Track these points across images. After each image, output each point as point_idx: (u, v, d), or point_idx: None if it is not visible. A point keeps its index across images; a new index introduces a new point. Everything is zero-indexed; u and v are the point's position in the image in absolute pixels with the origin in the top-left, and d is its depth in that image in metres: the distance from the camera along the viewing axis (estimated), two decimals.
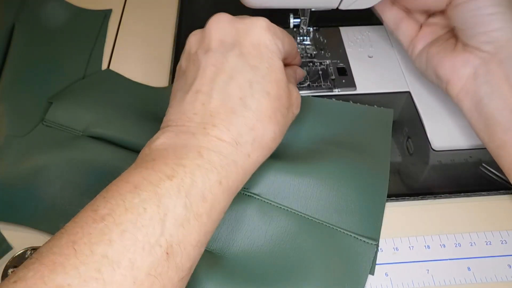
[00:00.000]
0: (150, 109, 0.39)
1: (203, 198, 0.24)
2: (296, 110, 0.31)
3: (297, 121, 0.36)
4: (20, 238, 0.32)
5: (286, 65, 0.33)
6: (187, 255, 0.23)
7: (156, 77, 0.42)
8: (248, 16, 0.30)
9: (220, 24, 0.29)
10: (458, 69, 0.32)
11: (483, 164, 0.36)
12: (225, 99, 0.27)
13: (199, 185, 0.24)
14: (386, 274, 0.31)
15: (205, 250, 0.31)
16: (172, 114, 0.28)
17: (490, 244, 0.32)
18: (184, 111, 0.27)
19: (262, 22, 0.29)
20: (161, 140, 0.26)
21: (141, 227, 0.21)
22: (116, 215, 0.22)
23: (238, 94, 0.27)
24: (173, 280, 0.22)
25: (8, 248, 0.32)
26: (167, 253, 0.22)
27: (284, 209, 0.32)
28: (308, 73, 0.42)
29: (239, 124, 0.27)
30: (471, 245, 0.32)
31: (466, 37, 0.31)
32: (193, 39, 0.31)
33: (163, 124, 0.29)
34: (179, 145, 0.26)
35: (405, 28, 0.37)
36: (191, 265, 0.24)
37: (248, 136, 0.27)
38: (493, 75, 0.30)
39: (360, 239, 0.31)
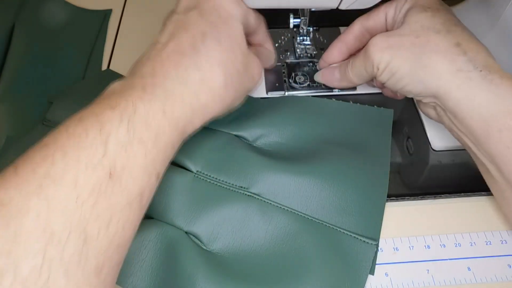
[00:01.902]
0: None
1: (146, 124, 0.25)
2: (254, 77, 0.32)
3: (297, 121, 0.36)
4: None
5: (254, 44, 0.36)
6: (133, 178, 0.24)
7: None
8: None
9: None
10: (429, 114, 0.33)
11: None
12: (178, 46, 0.28)
13: (141, 113, 0.25)
14: (386, 274, 0.31)
15: (205, 250, 0.31)
16: (131, 68, 0.30)
17: (490, 244, 0.32)
18: (139, 60, 0.29)
19: None
20: (112, 85, 0.27)
21: (83, 149, 0.22)
22: (58, 141, 0.23)
23: (190, 41, 0.28)
24: (121, 203, 0.23)
25: None
26: (111, 173, 0.22)
27: (284, 209, 0.32)
28: (308, 73, 0.42)
29: (187, 64, 0.28)
30: (471, 245, 0.32)
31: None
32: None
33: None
34: (126, 86, 0.26)
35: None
36: (140, 191, 0.24)
37: (194, 74, 0.28)
38: (444, 119, 0.31)
39: (360, 239, 0.31)
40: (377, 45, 0.31)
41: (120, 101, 0.25)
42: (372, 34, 0.34)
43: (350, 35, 0.37)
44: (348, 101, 0.39)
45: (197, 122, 0.28)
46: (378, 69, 0.32)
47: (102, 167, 0.22)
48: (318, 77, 0.39)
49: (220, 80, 0.28)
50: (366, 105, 0.38)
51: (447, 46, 0.29)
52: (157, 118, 0.25)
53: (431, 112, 0.33)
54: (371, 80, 0.37)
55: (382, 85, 0.35)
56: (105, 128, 0.23)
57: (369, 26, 0.36)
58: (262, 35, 0.37)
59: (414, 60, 0.30)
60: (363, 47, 0.34)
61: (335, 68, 0.37)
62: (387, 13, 0.35)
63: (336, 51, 0.38)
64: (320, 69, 0.39)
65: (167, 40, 0.29)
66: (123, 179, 0.23)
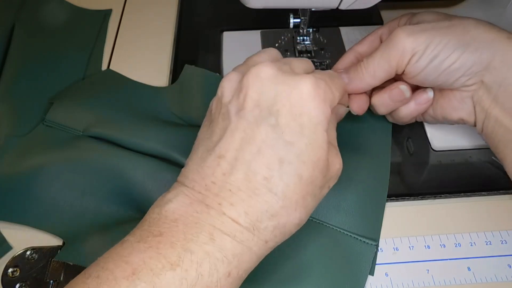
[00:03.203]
0: (150, 109, 0.39)
1: None
2: (332, 182, 0.27)
3: None
4: (20, 238, 0.32)
5: None
6: None
7: (156, 77, 0.42)
8: (295, 73, 0.26)
9: (260, 81, 0.25)
10: (460, 109, 0.31)
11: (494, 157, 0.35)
12: (249, 176, 0.24)
13: (204, 279, 0.22)
14: (386, 274, 0.31)
15: None
16: (191, 172, 0.25)
17: (490, 244, 0.32)
18: (203, 175, 0.24)
19: (308, 85, 0.24)
20: (174, 205, 0.24)
21: None
22: None
23: (264, 173, 0.24)
24: None
25: (8, 248, 0.32)
26: None
27: None
28: None
29: (260, 209, 0.23)
30: (471, 245, 0.32)
31: (446, 87, 0.31)
32: (228, 86, 0.26)
33: (180, 177, 0.26)
34: (190, 219, 0.23)
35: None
36: None
37: (268, 222, 0.24)
38: (484, 101, 0.30)
39: (360, 239, 0.31)
40: (407, 31, 0.28)
41: (184, 256, 0.21)
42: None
43: (344, 63, 0.35)
44: None
45: (258, 262, 0.25)
46: (414, 54, 0.28)
47: None
48: None
49: (296, 222, 0.25)
50: None
51: (486, 24, 0.29)
52: (220, 283, 0.22)
53: (467, 104, 0.30)
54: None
55: (407, 79, 0.31)
56: None
57: (363, 52, 0.34)
58: (344, 94, 0.31)
59: (461, 34, 0.28)
60: None
61: (341, 72, 0.32)
62: (382, 34, 0.34)
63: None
64: None
65: (234, 159, 0.24)
66: None
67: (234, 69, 0.28)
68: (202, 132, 0.27)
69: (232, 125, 0.25)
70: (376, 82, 0.31)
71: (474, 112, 0.31)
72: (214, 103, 0.27)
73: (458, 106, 0.31)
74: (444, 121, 0.34)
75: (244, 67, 0.27)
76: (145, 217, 0.24)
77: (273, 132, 0.24)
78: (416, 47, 0.28)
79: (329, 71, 0.30)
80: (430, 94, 0.32)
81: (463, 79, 0.29)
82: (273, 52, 0.29)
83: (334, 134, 0.29)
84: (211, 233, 0.23)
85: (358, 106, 0.33)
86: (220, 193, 0.24)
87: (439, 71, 0.29)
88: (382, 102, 0.33)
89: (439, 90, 0.32)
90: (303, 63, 0.28)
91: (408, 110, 0.33)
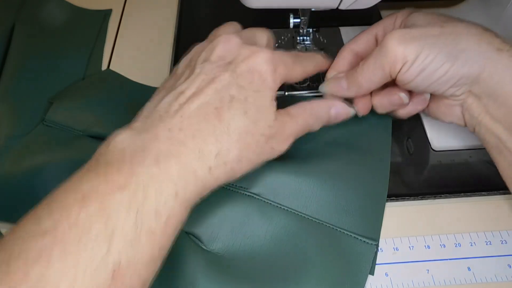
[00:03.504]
0: None
1: (156, 213, 0.23)
2: (278, 145, 0.29)
3: None
4: None
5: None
6: (137, 274, 0.22)
7: (156, 77, 0.42)
8: (257, 45, 0.30)
9: (228, 43, 0.29)
10: (450, 115, 0.32)
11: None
12: (202, 106, 0.27)
13: (152, 199, 0.23)
14: (386, 274, 0.31)
15: (205, 250, 0.31)
16: (146, 109, 0.28)
17: (490, 244, 0.32)
18: (158, 108, 0.27)
19: (265, 54, 0.29)
20: (121, 137, 0.25)
21: (84, 246, 0.20)
22: (58, 231, 0.20)
23: (216, 104, 0.27)
24: None
25: None
26: (114, 273, 0.21)
27: (284, 209, 0.32)
28: None
29: (207, 132, 0.26)
30: (471, 245, 0.32)
31: (437, 94, 0.31)
32: (198, 48, 0.31)
33: (133, 119, 0.28)
34: (138, 147, 0.24)
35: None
36: (143, 283, 0.23)
37: (212, 146, 0.26)
38: (474, 110, 0.30)
39: (360, 239, 0.31)
40: (398, 38, 0.28)
41: (130, 179, 0.23)
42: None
43: (342, 63, 0.35)
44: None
45: (206, 194, 0.27)
46: (404, 63, 0.28)
47: (104, 267, 0.20)
48: (323, 88, 0.34)
49: (236, 155, 0.27)
50: None
51: (478, 30, 0.29)
52: (168, 204, 0.23)
53: (456, 111, 0.31)
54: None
55: (401, 86, 0.31)
56: (111, 220, 0.21)
57: (360, 51, 0.35)
58: (315, 66, 0.33)
59: (451, 45, 0.28)
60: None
61: (341, 78, 0.33)
62: (377, 33, 0.35)
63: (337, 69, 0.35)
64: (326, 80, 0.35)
65: (192, 94, 0.27)
66: (127, 277, 0.21)
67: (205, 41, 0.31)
68: (166, 82, 0.30)
69: (196, 71, 0.28)
70: (374, 86, 0.32)
71: (464, 119, 0.31)
72: (182, 63, 0.31)
73: (448, 112, 0.32)
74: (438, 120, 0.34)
75: (212, 36, 0.31)
76: (94, 154, 0.25)
77: (230, 76, 0.28)
78: (407, 56, 0.28)
79: (292, 53, 0.32)
80: (426, 96, 0.33)
81: (452, 90, 0.30)
82: (236, 25, 0.33)
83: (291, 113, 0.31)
84: (157, 155, 0.24)
85: (363, 108, 0.34)
86: (171, 119, 0.26)
87: (429, 82, 0.29)
88: (381, 104, 0.34)
89: (432, 95, 0.33)
90: (264, 36, 0.32)
91: (405, 111, 0.34)
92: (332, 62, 0.36)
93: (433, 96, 0.33)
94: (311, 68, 0.33)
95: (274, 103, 0.29)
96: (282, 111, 0.30)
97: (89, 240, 0.20)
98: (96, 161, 0.24)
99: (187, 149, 0.25)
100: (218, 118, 0.26)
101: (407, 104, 0.33)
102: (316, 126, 0.32)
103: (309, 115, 0.31)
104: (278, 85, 0.29)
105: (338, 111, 0.33)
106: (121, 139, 0.25)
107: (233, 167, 0.27)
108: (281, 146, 0.30)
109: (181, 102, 0.27)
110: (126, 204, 0.22)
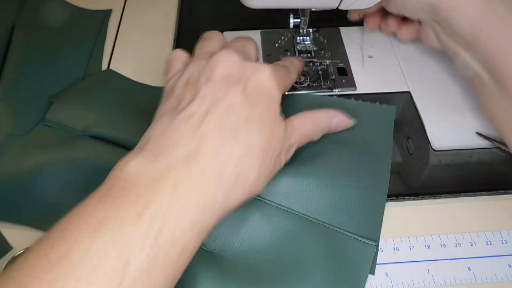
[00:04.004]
0: (150, 108, 0.39)
1: (173, 242, 0.22)
2: (285, 157, 0.30)
3: None
4: (20, 238, 0.32)
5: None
6: None
7: (156, 77, 0.42)
8: (252, 59, 0.31)
9: (229, 61, 0.29)
10: (428, 37, 0.37)
11: (477, 132, 0.37)
12: (218, 127, 0.26)
13: (169, 229, 0.22)
14: (386, 274, 0.31)
15: (205, 250, 0.31)
16: (154, 132, 0.26)
17: (490, 244, 0.32)
18: (169, 133, 0.25)
19: (268, 70, 0.29)
20: (135, 162, 0.24)
21: (98, 276, 0.20)
22: (72, 259, 0.20)
23: (232, 126, 0.26)
24: None
25: (8, 248, 0.32)
26: None
27: (284, 209, 0.32)
28: (308, 73, 0.42)
29: (226, 157, 0.25)
30: (471, 245, 0.32)
31: (412, 18, 0.37)
32: (194, 67, 0.29)
33: (139, 144, 0.26)
34: (153, 174, 0.23)
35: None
36: None
37: (232, 170, 0.25)
38: (439, 34, 0.35)
39: (360, 240, 0.31)
40: None
41: (147, 208, 0.22)
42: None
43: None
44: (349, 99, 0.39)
45: (222, 218, 0.26)
46: None
47: None
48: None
49: (255, 175, 0.26)
50: (368, 102, 0.38)
51: None
52: (185, 234, 0.23)
53: (431, 35, 0.36)
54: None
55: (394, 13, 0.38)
56: (126, 249, 0.20)
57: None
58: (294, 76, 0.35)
59: None
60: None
61: None
62: None
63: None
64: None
65: (204, 114, 0.26)
66: None
67: (194, 59, 0.31)
68: (164, 105, 0.29)
69: (202, 92, 0.27)
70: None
71: (439, 43, 0.36)
72: (178, 84, 0.29)
73: (426, 36, 0.37)
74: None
75: (202, 53, 0.31)
76: (105, 181, 0.24)
77: (240, 95, 0.27)
78: None
79: (285, 64, 0.34)
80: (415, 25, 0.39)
81: (420, 15, 0.35)
82: (219, 36, 0.33)
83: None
84: (175, 183, 0.23)
85: (372, 23, 0.42)
86: (187, 145, 0.25)
87: (403, 8, 0.36)
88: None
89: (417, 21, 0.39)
90: (252, 48, 0.32)
91: (403, 35, 0.41)
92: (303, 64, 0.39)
93: (419, 24, 0.38)
94: (296, 75, 0.35)
95: (282, 117, 0.29)
96: (287, 122, 0.30)
97: (103, 269, 0.20)
98: (109, 187, 0.23)
99: (205, 175, 0.24)
100: (235, 139, 0.26)
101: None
102: (317, 137, 0.34)
103: (312, 126, 0.33)
104: (281, 98, 0.30)
105: (339, 122, 0.35)
106: (135, 165, 0.24)
107: (251, 190, 0.27)
108: (287, 157, 0.31)
109: (194, 124, 0.26)
110: (143, 234, 0.21)
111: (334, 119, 0.34)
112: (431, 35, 0.36)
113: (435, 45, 0.37)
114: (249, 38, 0.33)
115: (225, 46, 0.31)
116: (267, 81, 0.28)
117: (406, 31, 0.41)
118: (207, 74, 0.28)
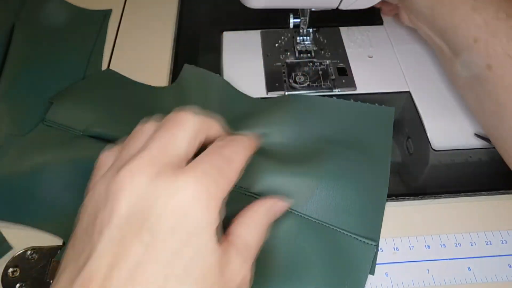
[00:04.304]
0: (150, 108, 0.39)
1: None
2: (238, 276, 0.23)
3: (297, 120, 0.36)
4: (20, 238, 0.32)
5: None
6: None
7: (156, 77, 0.42)
8: (178, 167, 0.22)
9: (133, 186, 0.21)
10: (406, 19, 0.40)
11: (476, 133, 0.36)
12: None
13: None
14: (386, 274, 0.31)
15: None
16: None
17: (490, 244, 0.32)
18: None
19: (190, 188, 0.21)
20: None
21: None
22: None
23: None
24: None
25: (8, 248, 0.32)
26: None
27: None
28: (308, 73, 0.42)
29: None
30: (471, 245, 0.32)
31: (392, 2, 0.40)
32: (95, 195, 0.23)
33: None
34: None
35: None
36: None
37: None
38: (411, 16, 0.39)
39: (360, 240, 0.31)
40: None
41: None
42: None
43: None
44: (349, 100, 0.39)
45: None
46: None
47: None
48: None
49: None
50: (367, 103, 0.38)
51: None
52: None
53: (404, 14, 0.40)
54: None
55: None
56: None
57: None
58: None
59: None
60: None
61: None
62: None
63: None
64: None
65: (105, 281, 0.19)
66: None
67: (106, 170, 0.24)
68: (71, 241, 0.23)
69: (99, 247, 0.20)
70: None
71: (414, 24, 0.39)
72: (80, 222, 0.23)
73: (405, 18, 0.40)
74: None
75: (114, 165, 0.23)
76: None
77: (151, 244, 0.20)
78: None
79: (223, 152, 0.25)
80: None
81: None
82: (150, 130, 0.25)
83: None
84: None
85: (388, 11, 0.45)
86: None
87: None
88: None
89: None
90: (234, 152, 0.25)
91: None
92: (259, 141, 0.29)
93: (398, 7, 0.41)
94: (243, 158, 0.26)
95: (217, 246, 0.22)
96: (228, 248, 0.23)
97: None
98: None
99: None
100: None
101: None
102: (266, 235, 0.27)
103: (260, 232, 0.26)
104: (218, 217, 0.22)
105: (276, 212, 0.29)
106: None
107: None
108: (242, 273, 0.24)
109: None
110: None
111: (272, 215, 0.28)
112: (404, 15, 0.40)
113: (408, 23, 0.40)
114: (235, 139, 0.26)
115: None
116: (190, 205, 0.21)
117: (386, 9, 0.45)
118: (105, 213, 0.21)
